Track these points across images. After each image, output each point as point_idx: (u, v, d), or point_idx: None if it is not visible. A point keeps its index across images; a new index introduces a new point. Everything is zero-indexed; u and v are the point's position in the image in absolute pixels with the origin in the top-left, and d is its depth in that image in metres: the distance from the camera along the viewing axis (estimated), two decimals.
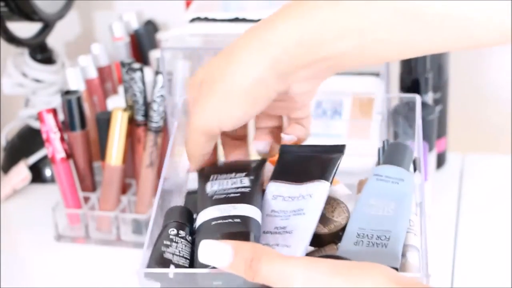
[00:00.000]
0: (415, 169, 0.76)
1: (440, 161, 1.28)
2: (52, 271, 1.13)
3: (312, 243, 0.70)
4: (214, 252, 0.62)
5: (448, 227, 1.16)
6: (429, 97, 1.22)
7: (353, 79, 1.22)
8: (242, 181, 0.73)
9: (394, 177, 0.72)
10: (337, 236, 0.70)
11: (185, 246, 0.69)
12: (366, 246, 0.67)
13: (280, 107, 0.74)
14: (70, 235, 1.18)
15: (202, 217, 0.70)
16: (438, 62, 1.23)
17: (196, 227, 0.70)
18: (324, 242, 0.71)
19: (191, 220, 0.72)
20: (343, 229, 0.70)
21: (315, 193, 0.71)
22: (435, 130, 1.21)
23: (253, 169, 0.75)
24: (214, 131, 0.71)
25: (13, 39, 1.25)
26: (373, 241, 0.67)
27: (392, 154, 0.75)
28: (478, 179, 1.26)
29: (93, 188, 1.20)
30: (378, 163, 0.77)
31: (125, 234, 1.17)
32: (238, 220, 0.68)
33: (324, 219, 0.71)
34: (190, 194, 0.78)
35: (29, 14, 1.23)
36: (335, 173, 0.73)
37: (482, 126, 1.38)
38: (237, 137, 0.78)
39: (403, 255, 0.68)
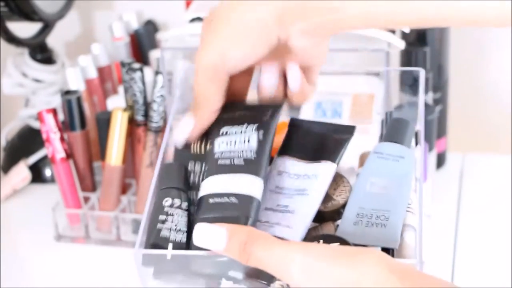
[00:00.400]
0: (416, 144, 0.76)
1: (440, 161, 1.28)
2: (52, 271, 1.13)
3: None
4: (209, 235, 0.62)
5: (448, 227, 1.16)
6: (429, 97, 1.22)
7: (353, 79, 1.22)
8: (250, 141, 0.71)
9: (394, 155, 0.72)
10: (335, 214, 0.70)
11: (181, 217, 0.68)
12: (365, 226, 0.67)
13: (286, 60, 0.75)
14: (70, 235, 1.18)
15: (204, 187, 0.70)
16: (438, 62, 1.24)
17: (198, 199, 0.70)
18: (322, 218, 0.70)
19: (187, 180, 0.71)
20: (342, 207, 0.70)
21: (321, 174, 0.71)
22: (435, 130, 1.21)
23: (265, 121, 0.73)
24: (218, 68, 0.71)
25: (13, 39, 1.25)
26: (372, 221, 0.67)
27: (393, 130, 0.74)
28: (478, 179, 1.26)
29: (93, 188, 1.20)
30: (381, 138, 0.77)
31: (125, 234, 1.16)
32: (236, 201, 0.67)
33: (324, 196, 0.71)
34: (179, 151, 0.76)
35: (29, 14, 1.23)
36: (342, 154, 0.72)
37: (482, 126, 1.38)
38: (236, 95, 0.77)
39: (401, 235, 0.67)
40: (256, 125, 0.72)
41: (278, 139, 0.75)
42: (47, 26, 1.29)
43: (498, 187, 1.23)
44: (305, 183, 0.70)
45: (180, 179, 0.72)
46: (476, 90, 1.37)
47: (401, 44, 1.11)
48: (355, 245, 0.65)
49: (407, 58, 1.20)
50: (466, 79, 1.36)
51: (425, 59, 1.19)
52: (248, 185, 0.68)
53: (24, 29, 1.27)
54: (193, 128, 0.73)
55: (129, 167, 1.19)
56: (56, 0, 1.28)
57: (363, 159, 0.75)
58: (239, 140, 0.71)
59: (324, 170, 0.71)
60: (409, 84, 0.90)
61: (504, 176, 1.25)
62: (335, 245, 0.63)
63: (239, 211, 0.67)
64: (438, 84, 1.24)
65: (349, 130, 0.75)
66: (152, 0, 1.42)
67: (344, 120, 1.16)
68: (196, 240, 0.63)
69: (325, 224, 0.70)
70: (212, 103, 0.73)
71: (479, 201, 1.21)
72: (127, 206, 1.18)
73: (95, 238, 1.17)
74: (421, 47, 1.19)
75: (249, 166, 0.69)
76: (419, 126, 0.75)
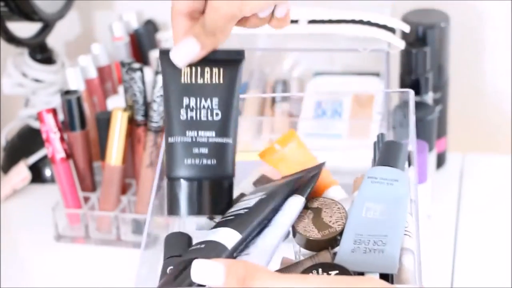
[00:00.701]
0: (409, 165, 0.75)
1: (440, 161, 1.28)
2: (52, 271, 1.13)
3: (306, 247, 0.70)
4: (207, 271, 0.62)
5: (448, 227, 1.16)
6: (429, 97, 1.22)
7: (353, 79, 1.22)
8: (251, 202, 0.72)
9: (388, 179, 0.72)
10: (332, 242, 0.70)
11: None
12: (363, 252, 0.67)
13: None
14: (70, 235, 1.18)
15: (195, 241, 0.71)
16: (438, 62, 1.24)
17: None
18: (318, 247, 0.71)
19: (190, 247, 0.72)
20: (339, 234, 0.70)
21: (286, 206, 0.71)
22: (435, 130, 1.21)
23: (272, 191, 0.73)
24: (238, 15, 0.70)
25: (13, 39, 1.25)
26: (370, 247, 0.67)
27: (386, 153, 0.74)
28: (478, 179, 1.26)
29: (93, 188, 1.20)
30: (374, 159, 0.77)
31: (125, 234, 1.16)
32: (203, 246, 0.68)
33: (320, 224, 0.71)
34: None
35: (29, 14, 1.23)
36: (311, 188, 0.73)
37: (482, 126, 1.38)
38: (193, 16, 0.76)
39: (399, 259, 0.67)
40: (263, 193, 0.73)
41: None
42: (47, 26, 1.29)
43: (498, 187, 1.23)
44: (273, 218, 0.71)
45: (184, 247, 0.73)
46: (476, 90, 1.37)
47: (401, 44, 1.11)
48: (354, 272, 0.66)
49: (407, 58, 1.20)
50: (466, 79, 1.36)
51: (425, 59, 1.19)
52: (224, 235, 0.69)
53: (24, 29, 1.27)
54: (197, 54, 0.71)
55: (129, 167, 1.19)
56: (56, 0, 1.28)
57: (357, 184, 0.75)
58: (244, 203, 0.72)
59: (291, 203, 0.71)
60: (404, 110, 0.90)
61: (504, 176, 1.25)
62: (334, 274, 0.63)
63: (201, 254, 0.67)
64: (438, 84, 1.24)
65: (317, 167, 0.75)
66: (152, 0, 1.42)
67: (344, 120, 1.16)
68: (194, 276, 0.63)
69: (322, 252, 0.70)
70: (225, 37, 0.72)
71: (479, 201, 1.21)
72: (127, 206, 1.18)
73: (95, 238, 1.18)
74: (421, 47, 1.19)
75: (235, 220, 0.70)
76: (412, 147, 0.76)
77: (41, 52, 1.30)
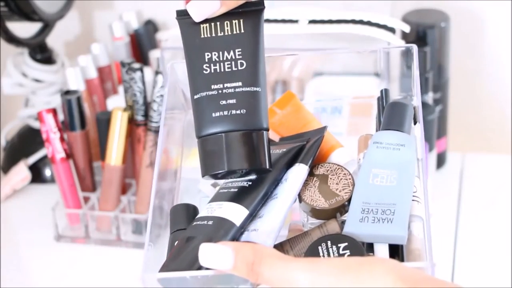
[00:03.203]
0: (415, 122, 0.74)
1: (440, 161, 1.28)
2: (52, 271, 1.13)
3: (314, 216, 0.70)
4: (215, 255, 0.62)
5: (448, 227, 1.16)
6: (429, 97, 1.22)
7: (353, 79, 1.22)
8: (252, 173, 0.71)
9: (394, 143, 0.70)
10: (340, 210, 0.69)
11: None
12: (372, 222, 0.66)
13: None
14: (70, 235, 1.18)
15: (200, 214, 0.70)
16: (438, 62, 1.24)
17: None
18: (326, 216, 0.70)
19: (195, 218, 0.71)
20: (346, 203, 0.69)
21: (290, 177, 0.70)
22: (435, 130, 1.21)
23: (273, 161, 0.72)
24: None
25: (13, 39, 1.25)
26: (378, 216, 0.66)
27: (391, 117, 0.72)
28: (478, 179, 1.26)
29: (93, 188, 1.20)
30: (378, 118, 0.75)
31: (125, 234, 1.16)
32: (211, 222, 0.67)
33: (326, 192, 0.70)
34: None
35: (29, 14, 1.23)
36: (314, 156, 0.71)
37: (482, 126, 1.38)
38: None
39: (408, 227, 0.66)
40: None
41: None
42: (47, 26, 1.29)
43: (498, 187, 1.23)
44: (278, 189, 0.70)
45: (190, 219, 0.71)
46: (476, 90, 1.37)
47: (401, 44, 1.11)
48: (363, 243, 0.65)
49: (407, 58, 1.19)
50: (466, 79, 1.36)
51: (425, 59, 1.19)
52: (230, 210, 0.68)
53: (24, 29, 1.27)
54: (216, 11, 0.69)
55: (129, 167, 1.19)
56: (56, 0, 1.28)
57: (361, 143, 0.74)
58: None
59: (293, 172, 0.71)
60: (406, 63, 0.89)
61: (504, 176, 1.25)
62: (343, 247, 0.62)
63: (209, 231, 0.67)
64: (438, 84, 1.24)
65: (319, 132, 0.74)
66: (152, 0, 1.42)
67: (344, 119, 1.16)
68: (202, 260, 0.62)
69: (330, 221, 0.69)
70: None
71: (479, 201, 1.21)
72: (127, 206, 1.18)
73: (95, 238, 1.17)
74: (421, 47, 1.19)
75: (239, 194, 0.69)
76: (416, 102, 0.74)
77: (41, 52, 1.30)
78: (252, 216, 0.69)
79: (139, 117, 1.15)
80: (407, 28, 1.14)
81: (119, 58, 1.31)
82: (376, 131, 0.74)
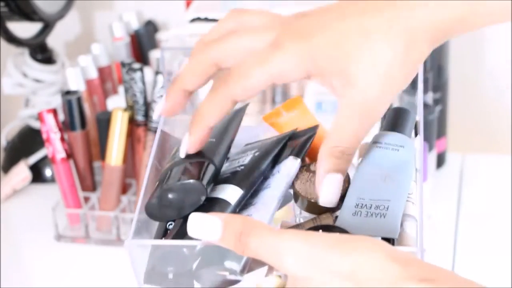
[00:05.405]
0: (416, 134, 0.74)
1: (440, 161, 1.28)
2: (52, 271, 1.13)
3: (308, 210, 0.70)
4: (203, 225, 0.60)
5: (448, 227, 1.16)
6: (429, 97, 1.22)
7: None
8: (245, 159, 0.72)
9: (394, 144, 0.71)
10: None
11: None
12: (365, 216, 0.66)
13: None
14: (70, 235, 1.19)
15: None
16: (438, 62, 1.24)
17: None
18: (320, 210, 0.70)
19: None
20: (340, 198, 0.69)
21: (282, 168, 0.71)
22: (435, 130, 1.21)
23: (265, 148, 0.73)
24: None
25: (13, 39, 1.25)
26: (372, 211, 0.66)
27: (392, 119, 0.73)
28: (478, 179, 1.26)
29: (93, 188, 1.20)
30: (380, 127, 0.76)
31: (125, 234, 1.16)
32: (205, 202, 0.67)
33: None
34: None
35: (29, 14, 1.23)
36: (306, 150, 0.72)
37: (482, 126, 1.38)
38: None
39: (401, 225, 0.66)
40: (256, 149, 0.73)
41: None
42: (47, 26, 1.29)
43: (498, 187, 1.23)
44: (270, 179, 0.71)
45: None
46: (476, 90, 1.37)
47: None
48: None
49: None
50: (466, 79, 1.36)
51: (425, 59, 1.19)
52: (224, 191, 0.69)
53: (24, 29, 1.28)
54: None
55: (129, 167, 1.19)
56: (56, 0, 1.28)
57: (362, 150, 0.75)
58: (241, 159, 0.72)
59: (285, 164, 0.71)
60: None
61: (504, 176, 1.25)
62: (332, 233, 0.62)
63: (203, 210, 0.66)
64: (438, 84, 1.24)
65: (312, 130, 0.75)
66: (152, 0, 1.42)
67: None
68: (190, 230, 0.61)
69: (323, 215, 0.70)
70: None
71: (479, 201, 1.21)
72: (127, 206, 1.18)
73: (95, 238, 1.18)
74: None
75: (232, 177, 0.70)
76: (418, 116, 0.75)
77: (41, 52, 1.30)
78: (247, 197, 0.69)
79: (139, 117, 1.15)
80: None
81: (119, 58, 1.31)
82: None
